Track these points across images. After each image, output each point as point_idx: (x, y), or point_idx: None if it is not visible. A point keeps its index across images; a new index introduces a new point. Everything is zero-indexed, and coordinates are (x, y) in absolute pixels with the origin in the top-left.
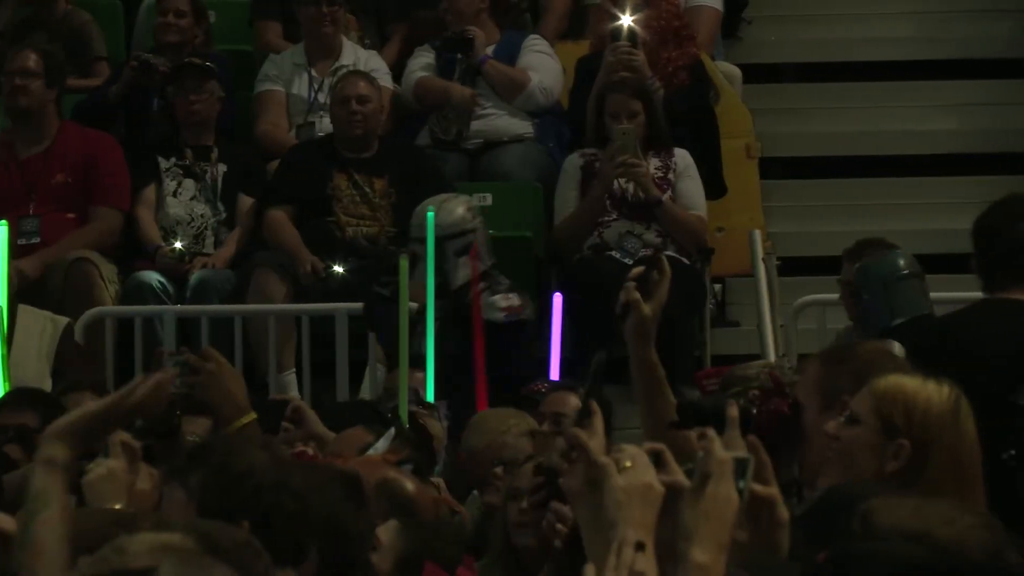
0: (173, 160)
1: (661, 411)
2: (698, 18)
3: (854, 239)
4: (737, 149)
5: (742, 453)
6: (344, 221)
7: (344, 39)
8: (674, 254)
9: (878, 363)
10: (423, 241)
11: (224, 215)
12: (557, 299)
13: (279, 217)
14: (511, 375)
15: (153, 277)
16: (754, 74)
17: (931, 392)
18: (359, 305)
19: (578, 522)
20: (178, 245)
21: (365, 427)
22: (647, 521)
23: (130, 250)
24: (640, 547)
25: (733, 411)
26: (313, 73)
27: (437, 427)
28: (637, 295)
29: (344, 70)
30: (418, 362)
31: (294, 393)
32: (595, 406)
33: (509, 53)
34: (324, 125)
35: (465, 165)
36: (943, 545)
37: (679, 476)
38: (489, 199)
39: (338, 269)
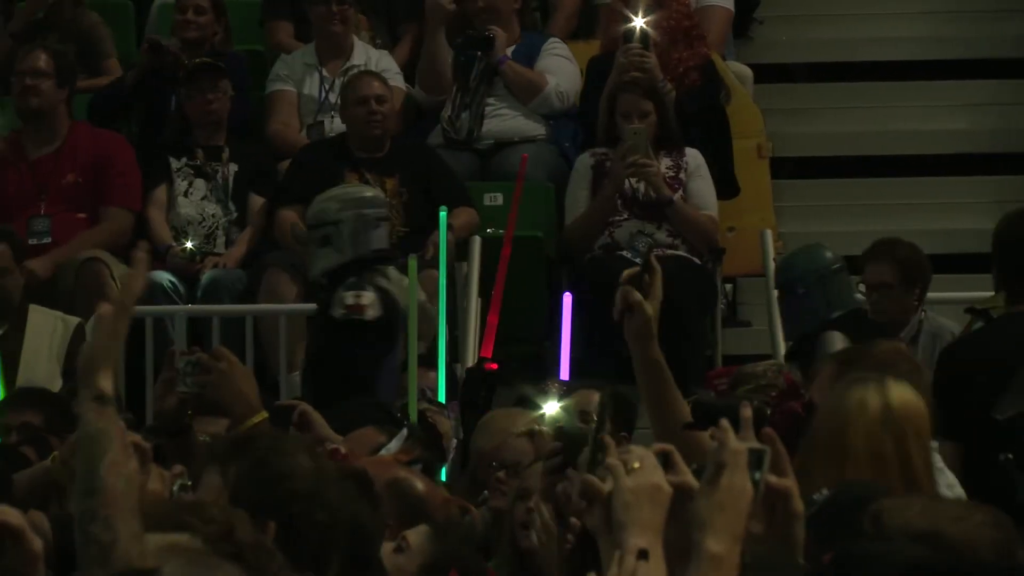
0: (184, 160)
1: (669, 411)
2: (709, 18)
3: (865, 239)
4: (748, 149)
5: (758, 444)
6: None
7: (355, 39)
8: (685, 254)
9: (892, 363)
10: (319, 226)
11: (235, 215)
12: (567, 299)
13: (290, 217)
14: (352, 375)
15: (164, 277)
16: (765, 74)
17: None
18: None
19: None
20: (189, 245)
21: (376, 427)
22: (655, 522)
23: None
24: (643, 555)
25: (747, 411)
26: (324, 73)
27: (447, 424)
28: (638, 296)
29: (355, 70)
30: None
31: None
32: (609, 440)
33: (528, 55)
34: (335, 125)
35: (476, 165)
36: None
37: (688, 477)
38: (500, 199)
39: None
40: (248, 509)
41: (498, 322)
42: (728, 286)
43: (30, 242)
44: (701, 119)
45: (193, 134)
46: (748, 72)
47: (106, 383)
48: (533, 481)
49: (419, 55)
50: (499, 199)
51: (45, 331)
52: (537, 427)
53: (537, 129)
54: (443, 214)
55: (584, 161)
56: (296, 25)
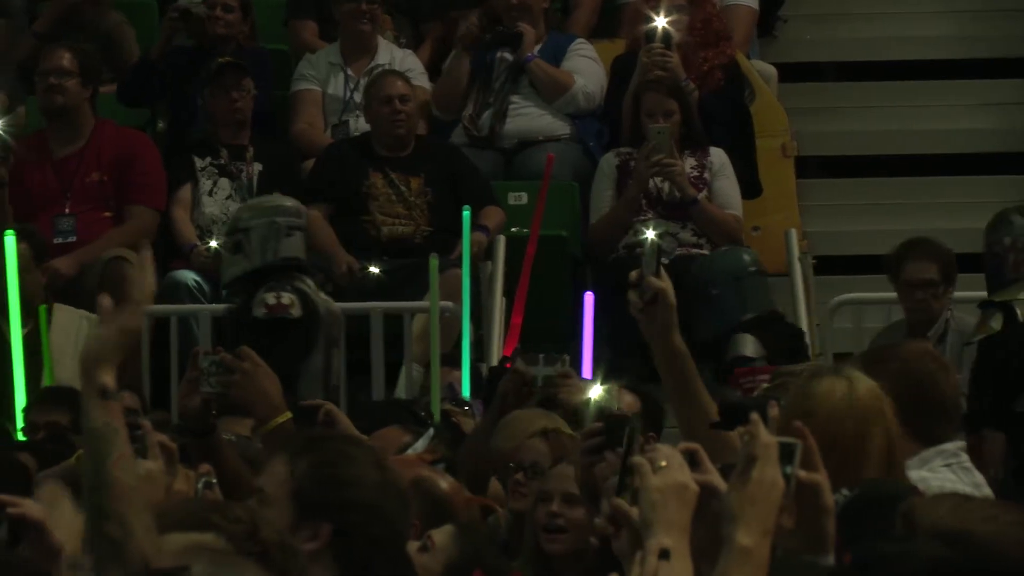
0: (208, 159)
1: (695, 405)
2: (734, 17)
3: (891, 238)
4: (773, 148)
5: (789, 439)
6: (380, 220)
7: (380, 38)
8: (709, 253)
9: (919, 363)
10: (231, 232)
11: None
12: (588, 298)
13: (315, 216)
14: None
15: (189, 276)
16: (790, 73)
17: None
18: (394, 304)
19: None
20: (214, 244)
21: (401, 426)
22: (682, 521)
23: (166, 249)
24: (664, 555)
25: (774, 411)
26: (349, 72)
27: (470, 424)
28: (661, 283)
29: (379, 69)
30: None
31: None
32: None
33: (554, 54)
34: (359, 125)
35: (500, 164)
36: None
37: (714, 476)
38: (524, 198)
39: (374, 270)
40: (308, 507)
41: (522, 321)
42: None
43: (55, 241)
44: (725, 118)
45: (217, 133)
46: (772, 71)
47: (108, 378)
48: (555, 484)
49: (442, 55)
50: (524, 198)
51: (70, 330)
52: (552, 427)
53: (562, 128)
54: (466, 213)
55: (609, 160)
56: (321, 25)
